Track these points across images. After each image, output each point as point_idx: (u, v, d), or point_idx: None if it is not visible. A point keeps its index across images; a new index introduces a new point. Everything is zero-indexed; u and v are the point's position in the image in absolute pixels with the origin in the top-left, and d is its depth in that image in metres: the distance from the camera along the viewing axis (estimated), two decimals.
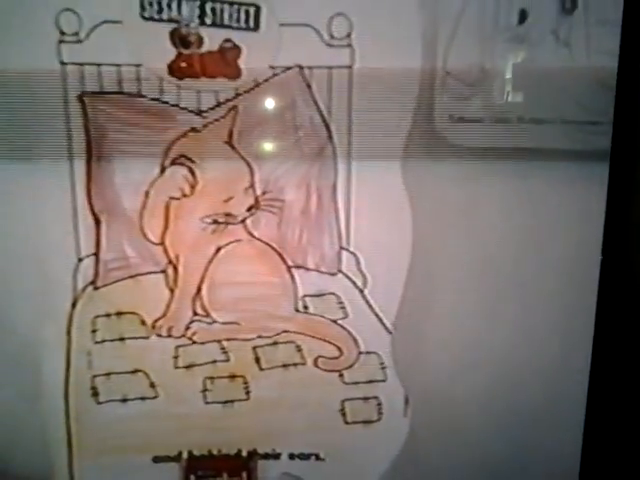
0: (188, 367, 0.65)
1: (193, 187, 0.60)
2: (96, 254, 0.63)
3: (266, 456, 0.67)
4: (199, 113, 0.59)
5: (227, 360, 0.65)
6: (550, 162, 0.60)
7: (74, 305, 0.64)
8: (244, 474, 0.68)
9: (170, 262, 0.63)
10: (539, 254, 0.62)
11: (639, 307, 0.65)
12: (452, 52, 0.57)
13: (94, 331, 0.64)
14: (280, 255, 0.63)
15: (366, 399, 0.66)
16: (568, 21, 0.57)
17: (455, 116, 0.58)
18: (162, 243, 0.62)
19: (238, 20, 0.57)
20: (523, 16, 0.57)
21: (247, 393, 0.66)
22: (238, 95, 0.59)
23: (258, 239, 0.63)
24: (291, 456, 0.67)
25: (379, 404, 0.66)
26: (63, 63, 0.58)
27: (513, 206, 0.61)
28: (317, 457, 0.67)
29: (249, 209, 0.61)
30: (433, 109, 0.58)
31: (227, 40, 0.57)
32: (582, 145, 0.59)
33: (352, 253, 0.63)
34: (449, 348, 0.65)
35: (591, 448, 0.67)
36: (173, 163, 0.60)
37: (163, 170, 0.60)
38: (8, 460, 0.66)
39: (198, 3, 0.56)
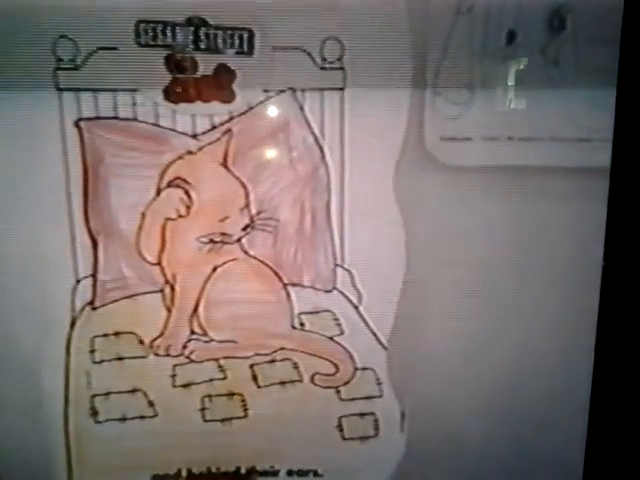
0: (186, 386, 0.66)
1: (189, 208, 0.61)
2: (94, 275, 0.63)
3: (265, 473, 0.68)
4: (194, 136, 0.60)
5: (224, 378, 0.66)
6: (540, 179, 0.60)
7: (73, 325, 0.64)
8: None
9: (167, 282, 0.64)
10: (532, 270, 0.63)
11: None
12: (442, 73, 0.58)
13: (92, 351, 0.65)
14: (276, 273, 0.64)
15: (363, 415, 0.66)
16: (557, 40, 0.58)
17: (446, 136, 0.59)
18: (159, 263, 0.63)
19: (232, 45, 0.58)
20: (512, 36, 0.58)
21: (245, 410, 0.66)
22: (232, 118, 0.60)
23: (254, 257, 0.64)
24: (289, 473, 0.68)
25: (376, 420, 0.66)
26: (60, 89, 0.59)
27: (506, 223, 0.62)
28: (315, 473, 0.68)
29: (244, 228, 0.62)
30: (423, 129, 0.59)
31: (221, 65, 0.58)
32: (572, 162, 0.60)
33: (347, 270, 0.63)
34: (445, 363, 0.65)
35: (594, 457, 0.67)
36: (169, 185, 0.61)
37: (159, 192, 0.61)
38: (8, 478, 0.66)
39: (192, 29, 0.57)
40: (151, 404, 0.66)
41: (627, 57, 0.58)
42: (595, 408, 0.66)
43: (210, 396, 0.66)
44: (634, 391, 0.67)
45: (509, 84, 0.59)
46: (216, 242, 0.63)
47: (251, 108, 0.59)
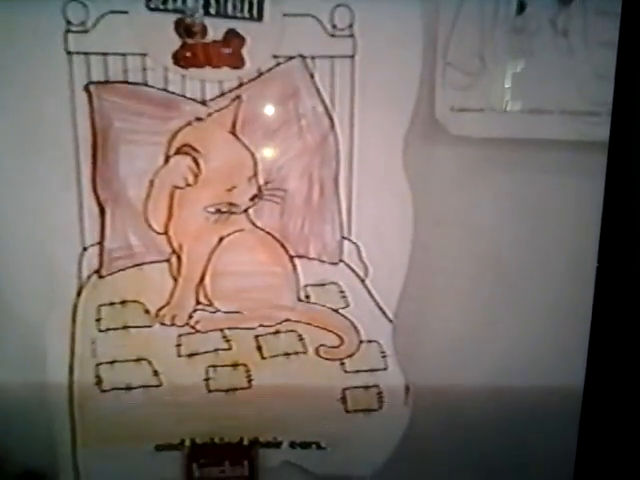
0: (191, 355, 0.66)
1: (197, 176, 0.61)
2: (101, 243, 0.63)
3: (267, 444, 0.68)
4: (203, 103, 0.60)
5: (229, 349, 0.66)
6: (549, 152, 0.60)
7: (79, 293, 0.64)
8: (245, 462, 0.68)
9: (174, 251, 0.64)
10: (539, 244, 0.63)
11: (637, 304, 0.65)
12: (452, 42, 0.57)
13: (98, 319, 0.65)
14: (282, 245, 0.64)
15: (367, 387, 0.66)
16: (566, 11, 0.57)
17: (456, 106, 0.59)
18: (166, 232, 0.63)
19: (242, 10, 0.57)
20: (522, 7, 0.57)
21: (249, 381, 0.66)
22: (242, 84, 0.59)
23: (261, 229, 0.63)
24: (292, 445, 0.68)
25: (380, 392, 0.66)
26: (69, 53, 0.59)
27: (514, 196, 0.62)
28: (318, 446, 0.68)
29: (252, 198, 0.62)
30: (434, 99, 0.59)
31: (231, 30, 0.58)
32: (581, 135, 0.60)
33: (354, 243, 0.63)
34: (450, 337, 0.65)
35: (586, 446, 0.67)
36: (177, 152, 0.61)
37: (167, 159, 0.61)
38: (13, 447, 0.67)
39: None
40: (156, 373, 0.66)
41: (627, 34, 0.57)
42: (588, 396, 0.66)
43: (215, 366, 0.66)
44: (628, 387, 0.67)
45: (519, 55, 0.58)
46: (223, 212, 0.62)
47: (261, 74, 0.59)
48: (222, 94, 0.60)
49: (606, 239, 0.62)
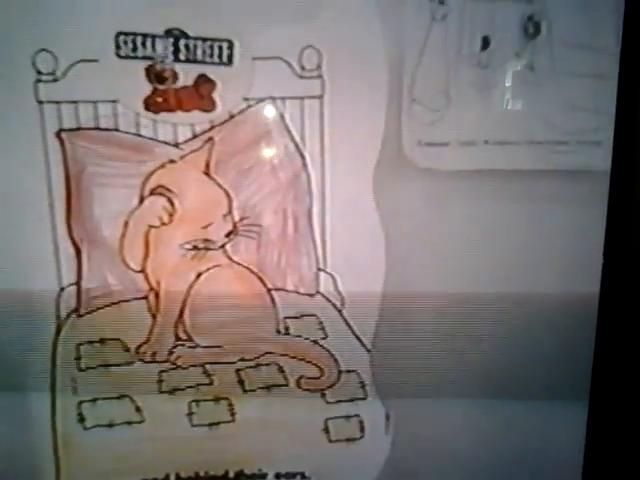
0: (172, 391, 0.66)
1: (172, 215, 0.61)
2: (78, 283, 0.64)
3: (253, 476, 0.68)
4: (176, 145, 0.61)
5: (211, 383, 0.66)
6: (517, 182, 0.61)
7: (58, 333, 0.64)
8: None
9: (152, 288, 0.64)
10: (514, 270, 0.64)
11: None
12: (418, 79, 0.58)
13: (78, 358, 0.65)
14: (260, 278, 0.64)
15: (348, 417, 0.67)
16: (532, 45, 0.59)
17: (423, 141, 0.60)
18: (143, 270, 0.63)
19: (212, 55, 0.58)
20: (486, 42, 0.59)
21: (232, 415, 0.67)
22: (213, 127, 0.60)
23: (238, 263, 0.64)
24: (277, 476, 0.68)
25: (361, 422, 0.67)
26: (40, 102, 0.59)
27: (484, 224, 0.63)
28: (303, 476, 0.68)
29: (228, 235, 0.63)
30: (401, 134, 0.60)
31: (201, 75, 0.58)
32: (549, 165, 0.61)
33: (329, 274, 0.64)
34: (428, 364, 0.66)
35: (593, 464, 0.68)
36: (152, 193, 0.61)
37: (142, 200, 0.61)
38: None
39: (172, 40, 0.58)
40: (138, 410, 0.66)
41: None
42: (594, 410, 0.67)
43: (197, 401, 0.66)
44: (633, 390, 0.67)
45: (485, 89, 0.59)
46: (199, 249, 0.63)
47: (232, 117, 0.60)
48: (194, 136, 0.60)
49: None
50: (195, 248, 0.63)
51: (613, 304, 0.64)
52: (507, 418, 0.67)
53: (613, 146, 0.60)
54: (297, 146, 0.61)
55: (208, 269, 0.64)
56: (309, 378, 0.66)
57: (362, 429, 0.67)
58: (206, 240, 0.63)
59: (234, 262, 0.64)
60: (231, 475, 0.68)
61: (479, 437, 0.68)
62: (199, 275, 0.64)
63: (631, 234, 0.64)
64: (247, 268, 0.64)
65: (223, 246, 0.63)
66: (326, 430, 0.67)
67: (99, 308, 0.65)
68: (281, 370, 0.66)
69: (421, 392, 0.66)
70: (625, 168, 0.62)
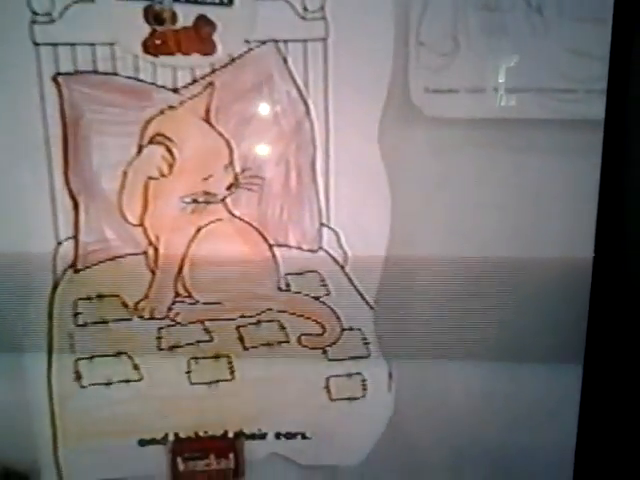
0: (172, 348, 0.65)
1: (171, 166, 0.60)
2: (75, 237, 0.62)
3: (252, 436, 0.67)
4: (175, 90, 0.59)
5: (210, 340, 0.65)
6: (526, 131, 0.60)
7: (54, 289, 0.63)
8: (231, 455, 0.68)
9: (150, 243, 0.63)
10: (518, 224, 0.62)
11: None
12: (425, 22, 0.57)
13: (75, 314, 0.64)
14: (261, 234, 0.63)
15: (350, 375, 0.66)
16: None
17: (430, 88, 0.58)
18: (142, 224, 0.62)
19: None
20: None
21: (232, 373, 0.66)
22: (214, 71, 0.59)
23: (239, 218, 0.63)
24: (277, 435, 0.67)
25: (363, 380, 0.66)
26: (37, 44, 0.57)
27: (491, 176, 0.61)
28: (303, 436, 0.67)
29: (229, 187, 0.61)
30: (408, 81, 0.58)
31: (201, 16, 0.57)
32: (558, 114, 0.59)
33: (332, 229, 0.63)
34: (432, 323, 0.65)
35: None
36: (150, 142, 0.60)
37: (140, 149, 0.60)
38: None
39: None
40: (136, 367, 0.65)
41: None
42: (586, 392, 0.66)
43: (196, 359, 0.65)
44: (625, 387, 0.67)
45: (493, 33, 0.58)
46: (200, 202, 0.62)
47: (233, 60, 0.58)
48: (194, 81, 0.59)
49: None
50: (195, 201, 0.62)
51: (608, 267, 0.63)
52: (508, 380, 0.66)
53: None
54: (300, 93, 0.59)
55: (208, 224, 0.63)
56: (311, 335, 0.65)
57: (364, 387, 0.66)
58: (206, 193, 0.61)
59: (235, 216, 0.63)
60: (230, 435, 0.67)
61: (479, 399, 0.67)
62: (199, 230, 0.63)
63: None
64: (248, 223, 0.63)
65: (224, 199, 0.62)
66: (327, 388, 0.66)
67: (97, 263, 0.63)
68: (282, 327, 0.65)
69: (424, 352, 0.65)
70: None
